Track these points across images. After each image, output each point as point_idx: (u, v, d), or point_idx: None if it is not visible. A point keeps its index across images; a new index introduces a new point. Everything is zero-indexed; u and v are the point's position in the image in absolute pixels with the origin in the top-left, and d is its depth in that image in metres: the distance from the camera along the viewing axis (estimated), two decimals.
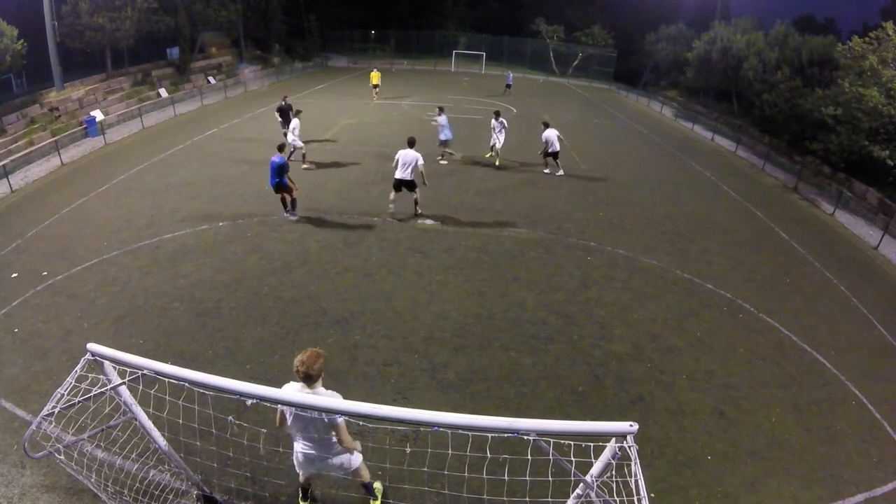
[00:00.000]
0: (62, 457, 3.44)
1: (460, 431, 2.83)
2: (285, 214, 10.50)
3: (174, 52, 27.01)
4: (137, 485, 4.38)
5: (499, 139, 14.56)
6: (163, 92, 23.53)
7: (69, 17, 19.94)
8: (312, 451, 3.77)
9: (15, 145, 15.41)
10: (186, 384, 3.00)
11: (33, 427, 3.12)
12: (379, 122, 20.09)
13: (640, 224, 11.64)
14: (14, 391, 5.73)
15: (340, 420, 3.52)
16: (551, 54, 42.48)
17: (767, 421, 6.06)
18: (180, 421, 3.73)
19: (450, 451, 3.17)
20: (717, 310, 8.41)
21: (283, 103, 15.38)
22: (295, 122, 13.23)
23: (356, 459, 4.02)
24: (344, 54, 44.20)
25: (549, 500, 3.51)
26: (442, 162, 14.93)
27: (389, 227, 10.44)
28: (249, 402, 3.35)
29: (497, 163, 14.93)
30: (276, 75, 32.33)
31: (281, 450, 4.31)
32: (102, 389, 3.28)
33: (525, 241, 10.23)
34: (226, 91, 25.92)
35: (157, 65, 26.05)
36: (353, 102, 24.09)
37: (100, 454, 4.58)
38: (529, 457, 2.85)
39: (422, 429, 3.14)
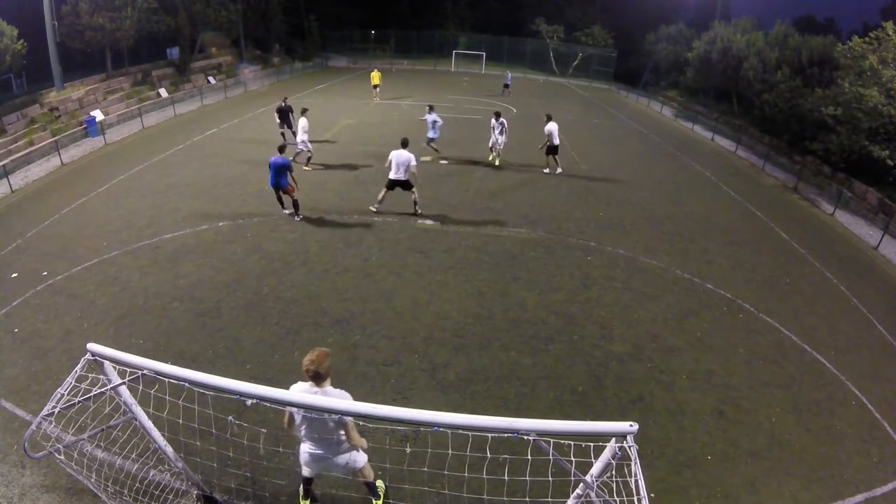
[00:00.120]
0: (62, 457, 3.44)
1: (460, 431, 2.83)
2: (284, 212, 10.51)
3: (174, 52, 27.01)
4: (137, 485, 4.38)
5: (499, 140, 14.50)
6: (163, 92, 23.53)
7: (69, 17, 19.94)
8: (319, 451, 3.79)
9: (15, 145, 15.41)
10: (186, 384, 3.00)
11: (33, 427, 3.12)
12: (379, 122, 20.09)
13: (640, 224, 11.65)
14: (14, 391, 5.73)
15: (349, 418, 3.55)
16: (551, 54, 42.48)
17: (767, 421, 6.06)
18: (180, 421, 3.73)
19: (450, 451, 3.17)
20: (717, 310, 8.41)
21: (283, 104, 15.37)
22: (304, 122, 13.11)
23: (361, 459, 4.04)
24: (344, 54, 44.21)
25: (549, 500, 3.51)
26: (442, 161, 14.94)
27: (389, 227, 10.44)
28: (249, 402, 3.35)
29: (497, 163, 14.89)
30: (276, 75, 32.34)
31: (281, 450, 4.31)
32: (102, 389, 3.28)
33: (525, 241, 10.23)
34: (226, 91, 25.92)
35: (157, 65, 26.04)
36: (353, 102, 24.09)
37: (100, 454, 4.58)
38: (529, 457, 2.85)
39: (422, 429, 3.14)
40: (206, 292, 7.89)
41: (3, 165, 13.12)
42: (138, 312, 7.33)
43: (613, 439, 2.78)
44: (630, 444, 2.64)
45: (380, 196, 10.75)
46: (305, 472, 4.09)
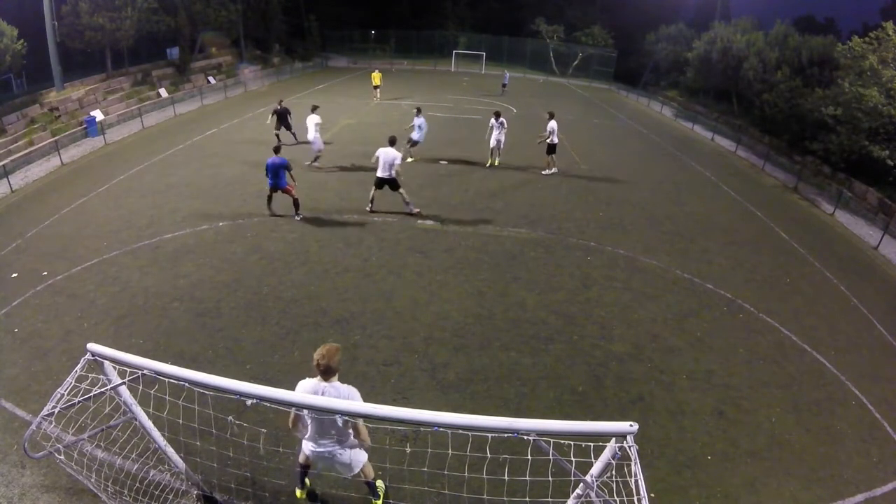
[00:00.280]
0: (62, 457, 3.44)
1: (460, 431, 2.83)
2: (268, 213, 10.56)
3: (174, 52, 27.00)
4: (137, 485, 4.38)
5: (499, 141, 14.37)
6: (163, 92, 23.53)
7: (69, 17, 19.93)
8: (325, 449, 3.81)
9: (15, 145, 15.40)
10: (186, 384, 3.00)
11: (33, 427, 3.12)
12: (379, 123, 20.08)
13: (640, 224, 11.64)
14: (14, 391, 5.73)
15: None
16: (551, 54, 42.48)
17: (767, 421, 6.06)
18: (180, 421, 3.73)
19: (450, 451, 3.17)
20: (717, 310, 8.41)
21: (280, 107, 15.36)
22: (316, 119, 13.10)
23: (363, 458, 4.05)
24: (344, 54, 44.21)
25: (549, 500, 3.51)
26: (442, 162, 14.93)
27: (389, 227, 10.44)
28: (249, 402, 3.35)
29: (497, 163, 14.82)
30: (276, 75, 32.33)
31: (281, 450, 4.32)
32: (102, 389, 3.28)
33: (525, 241, 10.23)
34: (226, 91, 25.92)
35: (157, 65, 26.04)
36: (354, 102, 24.09)
37: (100, 454, 4.58)
38: (529, 457, 2.85)
39: (422, 429, 3.14)
40: (206, 292, 7.89)
41: (3, 165, 13.12)
42: (138, 312, 7.33)
43: (613, 439, 2.78)
44: (630, 444, 2.64)
45: (370, 195, 10.81)
46: (301, 458, 4.15)
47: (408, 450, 4.51)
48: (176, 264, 8.68)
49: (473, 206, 11.79)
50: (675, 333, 7.60)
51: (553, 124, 13.92)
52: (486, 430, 2.69)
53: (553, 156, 14.47)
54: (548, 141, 14.11)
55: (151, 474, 4.54)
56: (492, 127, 14.33)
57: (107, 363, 3.23)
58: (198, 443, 4.06)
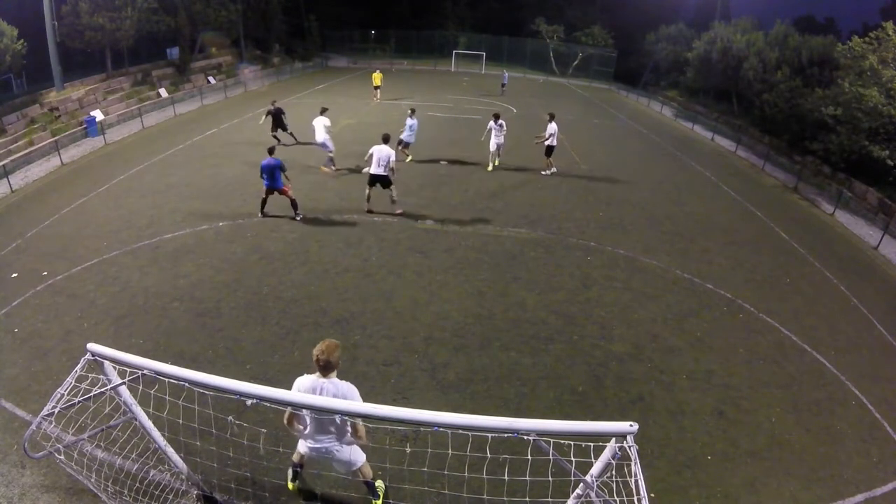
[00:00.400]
0: (62, 457, 3.44)
1: (460, 431, 2.83)
2: (260, 215, 10.53)
3: (174, 52, 27.00)
4: (137, 485, 4.38)
5: (499, 145, 14.15)
6: (163, 92, 23.53)
7: (69, 17, 19.93)
8: (323, 445, 3.82)
9: (15, 145, 15.40)
10: (186, 384, 3.00)
11: (33, 427, 3.12)
12: (379, 123, 20.07)
13: (640, 224, 11.64)
14: (14, 391, 5.73)
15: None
16: (551, 54, 42.47)
17: (767, 421, 6.06)
18: (180, 421, 3.73)
19: (450, 451, 3.17)
20: (717, 310, 8.41)
21: (273, 108, 15.32)
22: (325, 121, 13.02)
23: (361, 457, 4.06)
24: (344, 54, 44.20)
25: (549, 500, 3.51)
26: (442, 162, 14.93)
27: (389, 227, 10.45)
28: (249, 402, 3.35)
29: (497, 162, 14.71)
30: (276, 75, 32.33)
31: (281, 450, 4.32)
32: (102, 389, 3.28)
33: (525, 241, 10.23)
34: (226, 91, 25.92)
35: (157, 65, 26.04)
36: (354, 102, 24.08)
37: (100, 454, 4.58)
38: (529, 457, 2.85)
39: (422, 429, 3.14)
40: (206, 292, 7.89)
41: (3, 165, 13.12)
42: (138, 312, 7.33)
43: (613, 439, 2.79)
44: (630, 444, 2.64)
45: (366, 194, 10.80)
46: (296, 457, 4.19)
47: (408, 450, 4.51)
48: (176, 264, 8.68)
49: (473, 206, 11.79)
50: (675, 333, 7.60)
51: (553, 126, 13.88)
52: (486, 430, 2.69)
53: (550, 158, 14.40)
54: (546, 142, 14.06)
55: (151, 474, 4.54)
56: (490, 129, 14.07)
57: (107, 363, 3.23)
58: (198, 443, 4.06)
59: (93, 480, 3.88)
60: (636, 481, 2.64)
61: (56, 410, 3.12)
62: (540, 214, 11.59)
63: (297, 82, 30.64)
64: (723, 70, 26.56)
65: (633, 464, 2.66)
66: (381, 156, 10.23)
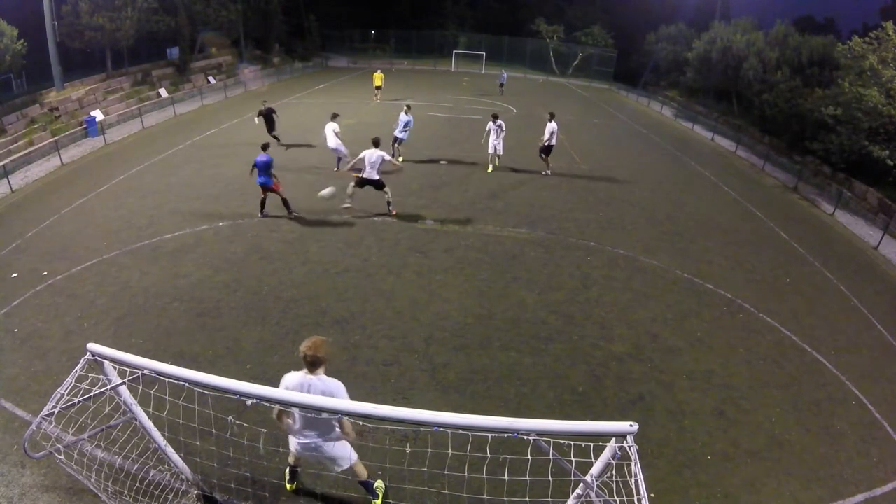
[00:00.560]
0: (62, 457, 3.44)
1: (460, 431, 2.83)
2: (259, 216, 10.54)
3: (174, 52, 27.01)
4: (137, 485, 4.38)
5: (498, 144, 13.97)
6: (163, 92, 23.53)
7: (69, 17, 19.95)
8: (311, 441, 3.84)
9: (15, 145, 15.41)
10: (186, 384, 3.00)
11: (33, 427, 3.12)
12: (379, 123, 20.06)
13: (640, 224, 11.65)
14: (14, 391, 5.73)
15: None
16: (551, 54, 42.48)
17: (767, 421, 6.06)
18: (180, 421, 3.73)
19: (450, 451, 3.17)
20: (717, 310, 8.41)
21: (264, 107, 15.28)
22: (334, 126, 13.00)
23: (352, 456, 4.06)
24: (344, 54, 44.20)
25: (549, 500, 3.51)
26: (442, 162, 14.92)
27: (389, 227, 10.45)
28: (249, 402, 3.35)
29: (497, 163, 14.59)
30: (276, 75, 32.33)
31: (281, 450, 4.31)
32: (102, 389, 3.28)
33: (525, 241, 10.23)
34: (226, 91, 25.93)
35: (157, 65, 26.05)
36: (354, 102, 24.07)
37: (100, 454, 4.58)
38: (529, 457, 2.85)
39: (422, 429, 3.14)
40: (206, 292, 7.89)
41: (3, 165, 13.13)
42: (138, 312, 7.33)
43: (613, 439, 2.79)
44: (630, 444, 2.64)
45: (349, 192, 10.69)
46: (292, 459, 4.24)
47: (408, 450, 4.50)
48: (176, 264, 8.68)
49: (473, 206, 11.79)
50: (675, 333, 7.60)
51: (553, 126, 13.86)
52: (486, 430, 2.70)
53: (548, 157, 14.34)
54: (545, 142, 14.02)
55: (151, 474, 4.54)
56: (489, 130, 13.92)
57: (107, 363, 3.23)
58: (198, 443, 4.06)
59: (93, 480, 3.89)
60: (636, 481, 2.64)
61: (56, 410, 3.12)
62: (540, 214, 11.59)
63: (297, 82, 30.64)
64: (723, 70, 26.57)
65: (633, 464, 2.66)
66: (373, 160, 10.23)
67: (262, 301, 7.71)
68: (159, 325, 7.04)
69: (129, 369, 3.13)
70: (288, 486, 4.58)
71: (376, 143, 10.44)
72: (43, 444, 3.44)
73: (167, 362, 3.25)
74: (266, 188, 10.21)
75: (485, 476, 3.25)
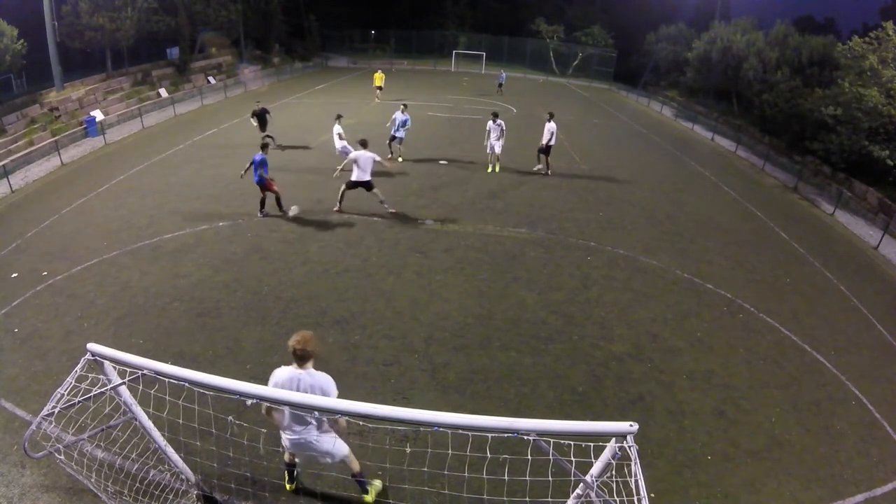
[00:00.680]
0: (62, 457, 3.44)
1: (460, 431, 2.83)
2: (259, 215, 10.55)
3: (174, 52, 27.02)
4: (137, 485, 4.38)
5: (497, 145, 13.82)
6: (163, 92, 23.53)
7: (69, 17, 19.95)
8: (300, 436, 3.87)
9: (15, 145, 15.41)
10: (186, 384, 3.00)
11: (33, 427, 3.12)
12: (378, 123, 20.03)
13: (640, 224, 11.65)
14: (14, 391, 5.73)
15: (333, 396, 3.71)
16: (551, 54, 42.48)
17: (767, 421, 6.06)
18: (180, 421, 3.73)
19: (450, 451, 3.17)
20: (717, 310, 8.41)
21: (258, 108, 15.24)
22: (337, 128, 13.03)
23: (343, 448, 4.09)
24: (344, 54, 44.21)
25: (549, 500, 3.51)
26: (442, 162, 14.92)
27: (389, 227, 10.45)
28: (249, 402, 3.35)
29: (497, 169, 14.25)
30: (276, 75, 32.33)
31: (281, 450, 4.32)
32: (102, 389, 3.28)
33: (525, 241, 10.23)
34: (226, 91, 25.93)
35: (157, 65, 26.05)
36: (354, 103, 24.07)
37: (100, 454, 4.58)
38: (529, 457, 2.84)
39: (422, 429, 3.14)
40: (206, 292, 7.89)
41: (3, 165, 13.13)
42: (138, 312, 7.33)
43: (613, 439, 2.78)
44: (630, 444, 2.64)
45: (341, 194, 10.74)
46: (287, 457, 4.25)
47: (408, 450, 4.50)
48: (176, 264, 8.68)
49: (473, 206, 11.79)
50: (675, 333, 7.60)
51: (552, 126, 13.84)
52: (486, 430, 2.69)
53: (546, 157, 14.31)
54: (543, 142, 14.00)
55: (151, 474, 4.54)
56: (489, 130, 13.85)
57: (107, 363, 3.23)
58: (198, 443, 4.06)
59: (93, 480, 3.89)
60: (636, 481, 2.63)
61: (56, 410, 3.12)
62: (540, 214, 11.59)
63: (297, 82, 30.64)
64: (723, 70, 26.56)
65: (633, 464, 2.66)
66: (365, 161, 10.24)
67: (262, 301, 7.71)
68: (159, 325, 7.04)
69: (129, 369, 3.13)
70: (287, 487, 4.59)
71: (364, 145, 10.45)
72: (43, 444, 3.44)
73: (167, 362, 3.25)
74: (261, 187, 10.24)
75: (485, 476, 3.25)
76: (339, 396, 3.64)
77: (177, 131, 18.09)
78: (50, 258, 8.80)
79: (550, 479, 3.11)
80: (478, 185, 13.30)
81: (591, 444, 2.87)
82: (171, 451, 3.96)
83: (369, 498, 4.49)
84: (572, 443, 2.64)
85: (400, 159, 14.68)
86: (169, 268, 8.56)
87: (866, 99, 17.21)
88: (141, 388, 3.40)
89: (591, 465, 2.92)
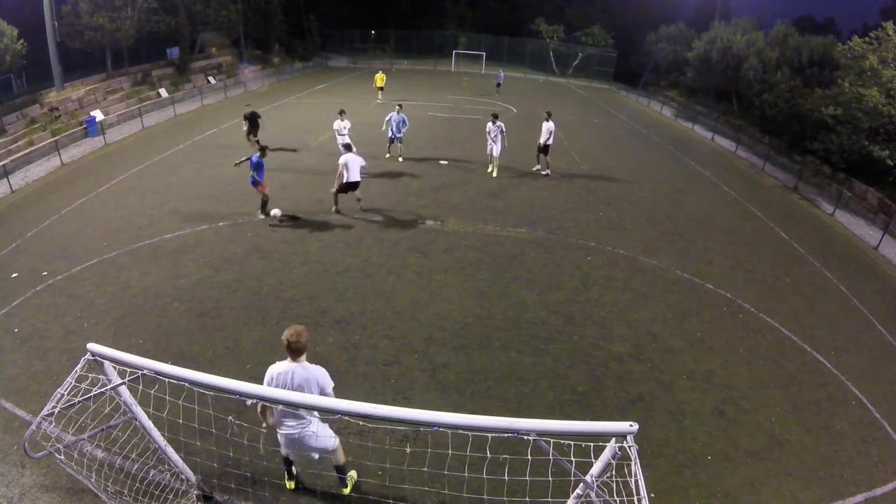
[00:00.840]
0: (62, 457, 3.44)
1: (460, 431, 2.83)
2: (260, 216, 10.54)
3: (174, 52, 27.00)
4: (137, 485, 4.38)
5: (496, 147, 13.59)
6: (163, 92, 23.53)
7: (69, 17, 19.94)
8: (291, 431, 3.93)
9: (15, 145, 15.41)
10: (186, 384, 3.00)
11: (33, 427, 3.12)
12: (378, 123, 19.98)
13: (640, 224, 11.65)
14: (14, 391, 5.73)
15: (330, 390, 3.83)
16: (551, 54, 42.47)
17: (767, 421, 6.06)
18: (180, 421, 3.73)
19: (450, 451, 3.17)
20: (717, 310, 8.41)
21: (248, 112, 15.17)
22: (337, 124, 12.93)
23: (333, 442, 4.14)
24: (344, 54, 44.20)
25: (549, 500, 3.51)
26: (442, 162, 14.92)
27: (389, 228, 10.45)
28: (249, 402, 3.35)
29: (494, 174, 13.95)
30: (276, 75, 32.33)
31: (281, 450, 4.32)
32: (102, 389, 3.28)
33: (525, 241, 10.23)
34: (226, 91, 25.92)
35: (157, 65, 26.04)
36: (354, 103, 24.03)
37: (100, 454, 4.58)
38: (529, 457, 2.85)
39: (422, 429, 3.14)
40: (206, 292, 7.89)
41: (3, 165, 13.12)
42: (138, 312, 7.33)
43: (613, 439, 2.79)
44: (630, 444, 2.64)
45: (336, 198, 10.73)
46: (284, 450, 4.28)
47: (408, 450, 4.51)
48: (176, 264, 8.68)
49: (473, 206, 11.79)
50: (675, 333, 7.60)
51: (550, 125, 13.81)
52: (486, 430, 2.69)
53: (545, 157, 14.29)
54: (541, 142, 13.97)
55: (151, 474, 4.54)
56: (489, 132, 13.65)
57: (107, 363, 3.23)
58: (198, 443, 4.07)
59: (93, 480, 3.89)
60: (636, 481, 2.63)
61: (56, 410, 3.12)
62: (540, 214, 11.59)
63: (297, 82, 30.63)
64: (723, 70, 26.56)
65: (633, 464, 2.66)
66: (355, 164, 10.27)
67: (262, 301, 7.71)
68: (159, 325, 7.04)
69: (129, 369, 3.13)
70: (287, 485, 4.59)
71: (349, 148, 10.50)
72: (43, 444, 3.44)
73: (167, 362, 3.26)
74: (255, 187, 10.23)
75: (485, 476, 3.25)
76: (339, 396, 3.64)
77: (177, 131, 18.08)
78: (50, 258, 8.80)
79: (550, 479, 3.11)
80: (478, 185, 13.30)
81: (591, 444, 2.87)
82: (171, 451, 3.96)
83: (347, 490, 4.55)
84: (572, 443, 2.64)
85: (400, 159, 14.69)
86: (169, 268, 8.56)
87: (866, 99, 17.21)
88: (141, 388, 3.40)
89: (591, 465, 2.92)
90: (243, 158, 10.21)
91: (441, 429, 2.65)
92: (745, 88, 25.17)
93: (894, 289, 10.63)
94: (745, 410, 6.19)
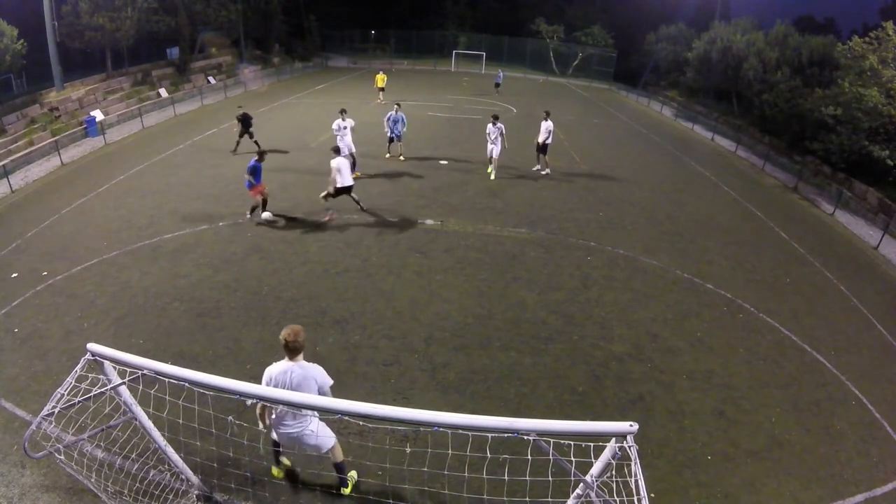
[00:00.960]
0: (62, 457, 3.44)
1: (460, 431, 2.83)
2: (263, 215, 10.52)
3: (174, 52, 27.00)
4: (137, 485, 4.38)
5: (495, 149, 13.40)
6: (163, 92, 23.52)
7: (69, 17, 19.94)
8: (289, 430, 3.96)
9: (15, 145, 15.41)
10: (186, 384, 3.00)
11: (33, 427, 3.12)
12: (378, 123, 20.01)
13: (640, 224, 11.64)
14: (14, 391, 5.73)
15: (328, 388, 3.88)
16: (551, 54, 42.46)
17: (767, 421, 6.06)
18: (180, 421, 3.73)
19: (450, 451, 3.17)
20: (717, 310, 8.41)
21: (240, 114, 15.06)
22: (341, 123, 12.94)
23: (331, 440, 4.17)
24: (344, 54, 44.20)
25: (549, 500, 3.51)
26: (442, 162, 14.92)
27: (389, 227, 10.45)
28: (249, 402, 3.35)
29: (493, 176, 13.75)
30: (276, 75, 32.32)
31: (281, 450, 4.32)
32: (102, 389, 3.28)
33: (525, 241, 10.23)
34: (226, 91, 25.92)
35: (157, 65, 26.04)
36: (354, 103, 24.03)
37: (100, 454, 4.58)
38: (529, 457, 2.85)
39: (422, 429, 3.14)
40: (206, 292, 7.89)
41: (3, 165, 13.12)
42: (138, 312, 7.33)
43: (613, 439, 2.79)
44: (630, 444, 2.64)
45: (328, 202, 10.63)
46: (273, 435, 4.24)
47: (408, 450, 4.50)
48: (176, 264, 8.68)
49: (473, 206, 11.79)
50: (675, 333, 7.60)
51: (549, 124, 13.80)
52: (486, 430, 2.70)
53: (545, 156, 14.27)
54: (540, 141, 13.94)
55: (151, 474, 4.54)
56: (489, 133, 13.47)
57: (107, 363, 3.23)
58: (198, 443, 4.06)
59: (93, 480, 3.89)
60: (636, 481, 2.64)
61: (56, 410, 3.12)
62: (540, 214, 11.59)
63: (297, 82, 30.62)
64: (723, 70, 26.54)
65: (633, 464, 2.66)
66: (346, 167, 10.24)
67: (262, 301, 7.71)
68: (159, 325, 7.04)
69: (129, 369, 3.13)
70: (275, 472, 4.59)
71: (338, 151, 10.47)
72: (43, 444, 3.44)
73: (167, 362, 3.26)
74: (249, 190, 10.21)
75: (485, 476, 3.25)
76: (339, 396, 3.64)
77: (177, 131, 18.09)
78: (50, 258, 8.80)
79: (550, 479, 3.11)
80: (478, 184, 13.30)
81: (591, 444, 2.87)
82: (171, 451, 3.96)
83: (347, 490, 4.53)
84: (572, 443, 2.64)
85: (402, 158, 14.69)
86: (169, 268, 8.56)
87: (866, 99, 17.21)
88: (141, 388, 3.40)
89: (591, 465, 2.92)
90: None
91: (441, 429, 2.65)
92: (745, 88, 25.16)
93: (894, 289, 10.62)
94: (745, 410, 6.19)
